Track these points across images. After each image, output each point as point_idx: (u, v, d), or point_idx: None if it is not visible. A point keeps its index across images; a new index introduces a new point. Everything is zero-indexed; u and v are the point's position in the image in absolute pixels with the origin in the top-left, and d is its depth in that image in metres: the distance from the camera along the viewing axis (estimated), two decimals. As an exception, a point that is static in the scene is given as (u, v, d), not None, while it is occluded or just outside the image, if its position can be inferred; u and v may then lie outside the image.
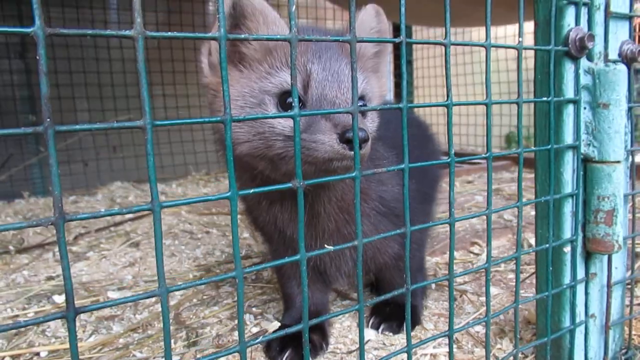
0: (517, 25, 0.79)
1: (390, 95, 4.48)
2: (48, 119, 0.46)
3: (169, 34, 0.51)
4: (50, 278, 1.68)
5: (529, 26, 0.94)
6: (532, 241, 1.85)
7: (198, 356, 1.12)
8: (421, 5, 2.69)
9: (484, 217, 2.27)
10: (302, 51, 0.95)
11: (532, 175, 1.01)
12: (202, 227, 2.37)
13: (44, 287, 1.58)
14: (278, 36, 0.60)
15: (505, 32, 4.01)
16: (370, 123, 1.03)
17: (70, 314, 0.49)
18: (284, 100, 0.93)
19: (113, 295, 1.49)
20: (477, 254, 1.81)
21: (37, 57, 0.45)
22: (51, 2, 3.33)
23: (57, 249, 2.05)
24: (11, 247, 2.08)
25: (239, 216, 1.82)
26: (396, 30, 4.76)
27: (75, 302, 1.35)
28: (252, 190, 0.60)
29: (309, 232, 1.09)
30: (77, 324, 1.32)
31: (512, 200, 2.67)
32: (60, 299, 1.47)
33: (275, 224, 1.10)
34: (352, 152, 0.76)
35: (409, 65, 4.70)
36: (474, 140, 4.49)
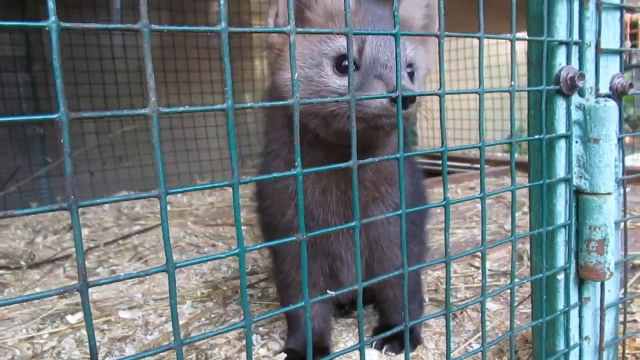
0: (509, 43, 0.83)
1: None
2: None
3: (173, 27, 0.53)
4: (62, 296, 1.73)
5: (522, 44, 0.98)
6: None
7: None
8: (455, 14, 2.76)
9: (486, 226, 2.32)
10: (358, 19, 1.03)
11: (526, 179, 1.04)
12: (208, 239, 2.42)
13: (57, 306, 1.63)
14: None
15: (497, 51, 4.05)
16: (417, 88, 1.10)
17: (84, 286, 0.53)
18: (339, 63, 1.01)
19: (124, 315, 1.53)
20: (478, 267, 1.85)
21: (51, 48, 0.48)
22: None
23: (67, 264, 2.11)
24: (22, 262, 2.13)
25: (243, 228, 1.85)
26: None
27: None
28: (253, 179, 0.64)
29: (337, 210, 1.13)
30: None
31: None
32: (73, 319, 1.52)
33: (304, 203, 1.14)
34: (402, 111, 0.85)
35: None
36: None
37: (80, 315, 1.55)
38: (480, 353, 1.24)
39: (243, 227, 2.68)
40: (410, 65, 1.07)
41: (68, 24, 0.47)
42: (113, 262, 2.09)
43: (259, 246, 0.65)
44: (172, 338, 0.58)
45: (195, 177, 3.88)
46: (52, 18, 0.46)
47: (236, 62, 4.01)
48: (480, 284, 1.64)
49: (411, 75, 1.07)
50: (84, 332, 1.43)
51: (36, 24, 0.47)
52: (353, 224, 0.69)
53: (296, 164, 0.64)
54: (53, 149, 3.45)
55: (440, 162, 0.80)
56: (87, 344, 1.35)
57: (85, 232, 2.67)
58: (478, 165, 3.95)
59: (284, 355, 1.19)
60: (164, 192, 0.56)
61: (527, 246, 1.94)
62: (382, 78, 0.95)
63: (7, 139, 3.35)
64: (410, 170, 1.27)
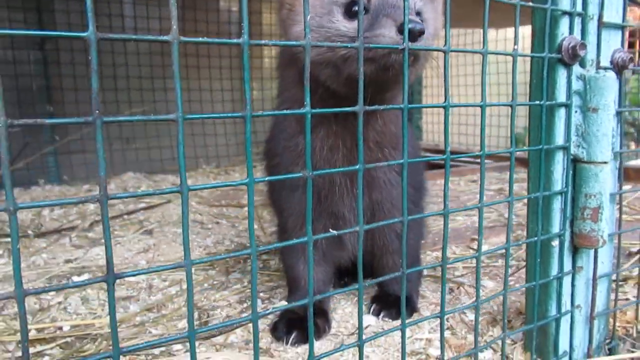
0: (512, 29, 0.86)
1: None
2: (97, 111, 0.54)
3: (201, 39, 0.58)
4: (68, 261, 1.77)
5: (528, 29, 1.00)
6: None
7: (197, 329, 1.20)
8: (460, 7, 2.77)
9: (486, 214, 2.34)
10: None
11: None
12: (212, 217, 2.45)
13: (63, 269, 1.67)
14: None
15: (506, 35, 4.05)
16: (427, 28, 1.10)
17: (110, 278, 0.57)
18: (349, 8, 1.04)
19: (130, 279, 1.57)
20: (477, 250, 1.88)
21: (89, 58, 0.52)
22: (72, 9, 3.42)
23: (73, 234, 2.15)
24: (30, 232, 2.17)
25: (245, 209, 1.91)
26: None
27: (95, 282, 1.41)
28: (265, 179, 0.67)
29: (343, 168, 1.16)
30: (96, 302, 1.40)
31: (515, 201, 2.73)
32: (79, 279, 1.56)
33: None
34: (411, 44, 0.87)
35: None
36: (474, 140, 4.53)
37: (85, 277, 1.59)
38: (473, 322, 1.28)
39: (246, 208, 2.70)
40: (418, 13, 1.08)
41: (104, 35, 0.51)
42: (118, 234, 2.13)
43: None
44: (175, 299, 0.61)
45: (200, 161, 3.92)
46: (91, 28, 0.50)
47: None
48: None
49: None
50: (89, 291, 1.47)
51: (76, 34, 0.51)
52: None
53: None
54: (62, 128, 3.49)
55: (443, 155, 0.84)
56: (92, 302, 1.39)
57: (90, 207, 2.71)
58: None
59: (284, 302, 1.20)
60: (186, 188, 0.60)
61: (524, 233, 1.97)
62: (390, 16, 0.96)
63: (17, 116, 3.37)
64: (413, 150, 1.30)
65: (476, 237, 2.00)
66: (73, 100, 3.48)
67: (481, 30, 0.83)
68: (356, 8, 1.01)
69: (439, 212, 0.84)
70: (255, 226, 2.27)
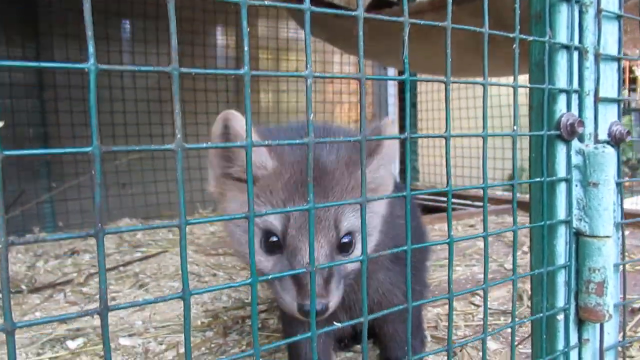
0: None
1: (395, 127, 4.60)
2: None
3: (201, 70, 0.58)
4: (62, 322, 1.73)
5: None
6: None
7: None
8: (460, 59, 2.81)
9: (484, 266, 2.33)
10: (282, 184, 0.94)
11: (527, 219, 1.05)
12: (209, 269, 2.43)
13: (57, 331, 1.64)
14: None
15: (499, 91, 4.13)
16: (355, 252, 1.00)
17: (105, 310, 0.54)
18: (267, 239, 0.95)
19: (124, 342, 1.54)
20: (478, 305, 1.86)
21: (89, 89, 0.51)
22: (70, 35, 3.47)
23: (68, 289, 2.11)
24: (23, 286, 2.14)
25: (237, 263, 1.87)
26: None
27: (90, 347, 1.38)
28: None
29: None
30: (91, 372, 1.37)
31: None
32: (73, 344, 1.52)
33: None
34: (307, 319, 0.86)
35: (412, 107, 4.82)
36: (478, 182, 4.56)
37: (80, 341, 1.56)
38: (479, 392, 1.25)
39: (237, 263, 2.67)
40: (349, 233, 0.98)
41: (105, 67, 0.51)
42: (114, 289, 2.10)
43: (270, 277, 0.67)
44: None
45: (197, 205, 3.91)
46: (92, 60, 0.50)
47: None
48: (480, 322, 1.65)
49: (347, 245, 0.98)
50: (84, 357, 1.43)
51: (77, 66, 0.50)
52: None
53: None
54: (58, 174, 3.48)
55: (439, 198, 0.83)
56: (86, 370, 1.35)
57: (86, 257, 2.68)
58: (478, 203, 3.98)
59: None
60: (184, 223, 0.58)
61: (527, 286, 1.95)
62: (295, 280, 0.88)
63: (14, 163, 3.38)
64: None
65: (477, 291, 1.98)
66: (70, 135, 3.48)
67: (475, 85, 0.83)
68: (274, 239, 0.94)
69: (443, 296, 0.83)
70: (253, 279, 2.24)
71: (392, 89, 4.88)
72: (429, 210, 3.62)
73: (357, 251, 1.00)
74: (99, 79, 0.54)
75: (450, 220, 0.82)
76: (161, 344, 1.54)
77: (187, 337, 0.60)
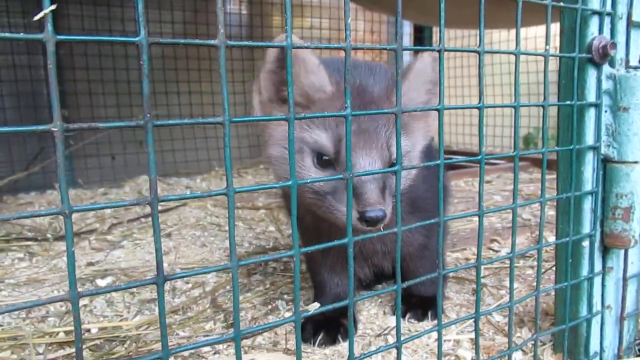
0: (543, 26, 0.86)
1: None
2: (148, 115, 0.54)
3: (245, 43, 0.59)
4: (90, 264, 1.78)
5: (554, 27, 0.99)
6: (550, 239, 1.91)
7: (242, 330, 1.20)
8: (459, 9, 2.75)
9: (504, 215, 2.34)
10: (337, 108, 0.96)
11: (551, 177, 1.07)
12: (228, 219, 2.46)
13: (86, 272, 1.68)
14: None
15: (536, 33, 4.03)
16: (405, 175, 1.06)
17: (160, 279, 0.57)
18: (319, 157, 0.99)
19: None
20: (497, 251, 1.87)
21: (141, 62, 0.53)
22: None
23: (92, 237, 2.16)
24: (49, 235, 2.19)
25: (262, 211, 1.95)
26: (418, 31, 4.82)
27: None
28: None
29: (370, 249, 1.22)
30: (121, 305, 1.41)
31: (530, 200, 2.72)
32: (103, 282, 1.57)
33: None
34: (369, 229, 0.90)
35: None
36: (492, 141, 4.52)
37: (109, 279, 1.60)
38: (500, 322, 1.27)
39: (262, 210, 2.71)
40: (390, 164, 1.01)
41: (155, 39, 0.52)
42: (137, 237, 2.14)
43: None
44: (199, 302, 0.61)
45: (214, 164, 3.93)
46: (142, 33, 0.51)
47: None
48: (500, 265, 1.67)
49: (383, 184, 0.99)
50: (113, 294, 1.48)
51: (128, 39, 0.52)
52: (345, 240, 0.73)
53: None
54: (76, 133, 3.51)
55: (455, 156, 0.85)
56: (117, 304, 1.40)
57: (108, 211, 2.72)
58: (493, 161, 3.97)
59: (316, 304, 1.22)
60: (232, 191, 0.61)
61: (548, 233, 1.96)
62: (354, 191, 0.88)
63: (33, 120, 3.42)
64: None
65: (495, 238, 2.00)
66: (88, 104, 3.51)
67: (492, 30, 0.83)
68: (326, 158, 0.98)
69: (474, 212, 0.84)
70: (272, 228, 2.27)
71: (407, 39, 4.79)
72: (448, 167, 3.63)
73: (404, 172, 1.03)
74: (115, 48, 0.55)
75: (482, 191, 0.84)
76: (187, 283, 1.58)
77: (236, 307, 0.61)
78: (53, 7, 0.48)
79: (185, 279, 1.62)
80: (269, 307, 1.39)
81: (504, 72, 4.26)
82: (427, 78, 1.05)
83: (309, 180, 0.87)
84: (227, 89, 0.58)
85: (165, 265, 1.74)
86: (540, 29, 3.63)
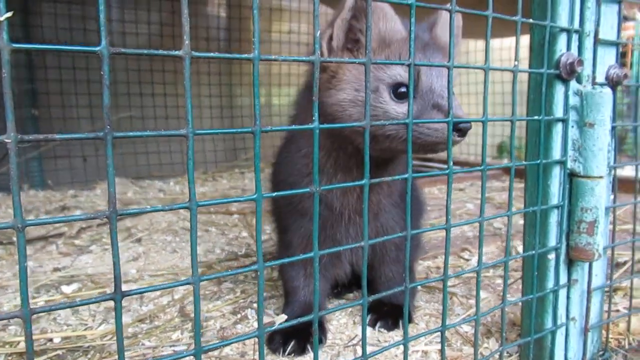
0: (512, 38, 0.88)
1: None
2: (108, 127, 0.53)
3: (212, 54, 0.58)
4: (56, 269, 1.74)
5: (525, 38, 1.02)
6: (520, 249, 1.93)
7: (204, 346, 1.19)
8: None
9: (475, 224, 2.36)
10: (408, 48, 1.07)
11: (522, 185, 1.09)
12: (201, 225, 2.43)
13: (52, 277, 1.64)
14: (301, 57, 0.67)
15: (511, 43, 4.09)
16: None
17: (117, 296, 0.56)
18: (396, 90, 1.07)
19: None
20: (467, 260, 1.89)
21: (102, 73, 0.52)
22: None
23: (60, 241, 2.11)
24: (14, 238, 2.13)
25: (236, 217, 1.94)
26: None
27: (85, 292, 1.41)
28: (275, 194, 0.67)
29: (355, 207, 1.23)
30: (87, 313, 1.38)
31: (502, 209, 2.76)
32: (68, 289, 1.53)
33: (326, 197, 1.22)
34: (460, 138, 0.96)
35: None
36: (467, 148, 4.58)
37: (74, 286, 1.56)
38: (468, 333, 1.28)
39: (235, 216, 2.68)
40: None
41: (117, 49, 0.50)
42: (106, 242, 2.10)
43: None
44: (167, 310, 0.60)
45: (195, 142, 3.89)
46: (104, 42, 0.49)
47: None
48: (470, 275, 1.68)
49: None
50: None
51: (88, 49, 0.50)
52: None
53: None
54: (46, 131, 3.43)
55: (431, 163, 0.86)
56: (82, 312, 1.36)
57: (77, 212, 2.66)
58: (468, 168, 4.01)
59: (283, 316, 1.21)
60: (194, 205, 0.59)
61: (517, 242, 1.99)
62: (440, 108, 1.02)
63: (1, 119, 3.33)
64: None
65: (466, 246, 2.02)
66: (59, 104, 3.44)
67: (476, 40, 0.84)
68: (403, 89, 1.06)
69: (442, 226, 0.84)
70: (245, 233, 2.25)
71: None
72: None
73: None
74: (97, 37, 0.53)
75: (449, 208, 0.84)
76: (156, 290, 1.55)
77: (197, 323, 0.60)
78: (9, 14, 0.47)
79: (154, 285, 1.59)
80: (238, 316, 1.37)
81: (479, 81, 4.31)
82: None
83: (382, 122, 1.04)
84: (191, 101, 0.57)
85: (133, 271, 1.71)
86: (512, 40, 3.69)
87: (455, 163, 4.20)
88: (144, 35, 3.76)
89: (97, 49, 0.51)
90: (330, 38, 1.08)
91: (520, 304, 1.23)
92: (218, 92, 4.08)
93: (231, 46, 4.14)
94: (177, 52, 0.55)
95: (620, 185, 1.19)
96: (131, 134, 0.55)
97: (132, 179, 3.63)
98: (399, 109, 1.05)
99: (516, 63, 0.88)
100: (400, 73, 1.06)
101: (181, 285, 0.61)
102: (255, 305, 1.45)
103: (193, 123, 0.58)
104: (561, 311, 1.07)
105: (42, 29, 3.39)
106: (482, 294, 1.54)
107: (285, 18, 4.40)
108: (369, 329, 1.29)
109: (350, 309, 1.43)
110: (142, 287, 0.57)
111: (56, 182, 3.40)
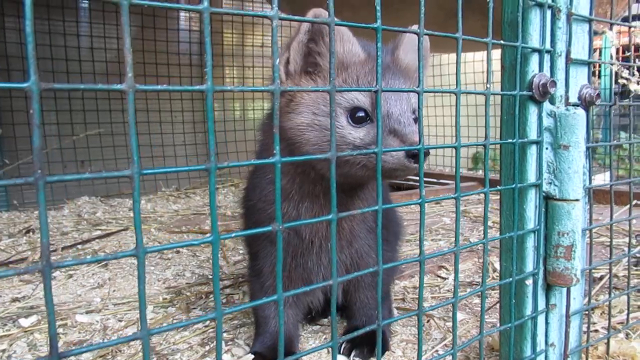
0: (484, 52, 0.85)
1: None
2: (39, 171, 0.47)
3: (159, 87, 0.53)
4: (15, 300, 1.65)
5: (496, 52, 1.00)
6: (497, 265, 1.91)
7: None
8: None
9: (452, 239, 2.33)
10: (368, 70, 1.07)
11: (497, 197, 1.07)
12: (172, 246, 2.36)
13: (10, 309, 1.55)
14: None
15: (474, 57, 4.13)
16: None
17: (53, 357, 0.50)
18: (354, 114, 1.04)
19: (81, 318, 1.47)
20: (445, 278, 1.86)
21: (31, 112, 0.46)
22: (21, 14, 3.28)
23: (22, 267, 2.01)
24: (-25, 264, 2.03)
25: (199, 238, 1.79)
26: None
27: (44, 325, 1.32)
28: (234, 234, 0.62)
29: (325, 235, 1.19)
30: (45, 348, 1.30)
31: (479, 223, 2.74)
32: (26, 322, 1.44)
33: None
34: (415, 165, 0.95)
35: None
36: (442, 160, 4.59)
37: (33, 319, 1.48)
38: (448, 357, 1.24)
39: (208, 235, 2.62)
40: (413, 112, 1.09)
41: (49, 85, 0.45)
42: (71, 267, 2.01)
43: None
44: (131, 344, 0.55)
45: (160, 184, 3.80)
46: (33, 78, 0.44)
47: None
48: (446, 294, 1.65)
49: (415, 121, 1.08)
50: (37, 335, 1.36)
51: (17, 85, 0.45)
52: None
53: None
54: (11, 151, 3.32)
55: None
56: (40, 347, 1.29)
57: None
58: (443, 181, 4.01)
59: (251, 356, 1.16)
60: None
61: (494, 258, 1.97)
62: (396, 134, 1.00)
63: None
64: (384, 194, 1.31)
65: (443, 264, 1.99)
66: (24, 121, 3.33)
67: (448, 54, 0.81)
68: (361, 114, 1.04)
69: (415, 259, 0.80)
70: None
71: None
72: (395, 188, 3.63)
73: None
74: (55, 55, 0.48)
75: (422, 238, 0.80)
76: (120, 321, 1.48)
77: (142, 295, 0.55)
78: None
79: (118, 316, 1.51)
80: (207, 347, 1.30)
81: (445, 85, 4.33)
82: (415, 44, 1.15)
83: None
84: (137, 139, 0.52)
85: (97, 300, 1.64)
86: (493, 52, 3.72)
87: (430, 175, 4.21)
88: (113, 51, 3.68)
89: (24, 85, 0.46)
90: (287, 62, 1.06)
91: (500, 333, 1.20)
92: (190, 107, 4.01)
93: (202, 61, 4.08)
94: (119, 87, 0.50)
95: (594, 195, 1.17)
96: (68, 177, 0.50)
97: (102, 197, 3.53)
98: (356, 133, 1.03)
99: (488, 86, 0.85)
100: (357, 97, 1.03)
101: (129, 340, 0.55)
102: (225, 334, 1.38)
103: (140, 162, 0.53)
104: (540, 337, 1.03)
105: (5, 44, 3.28)
106: (460, 316, 1.51)
107: (258, 31, 4.36)
108: (344, 358, 1.24)
109: (325, 337, 1.38)
110: (81, 348, 0.51)
111: (21, 202, 3.28)
